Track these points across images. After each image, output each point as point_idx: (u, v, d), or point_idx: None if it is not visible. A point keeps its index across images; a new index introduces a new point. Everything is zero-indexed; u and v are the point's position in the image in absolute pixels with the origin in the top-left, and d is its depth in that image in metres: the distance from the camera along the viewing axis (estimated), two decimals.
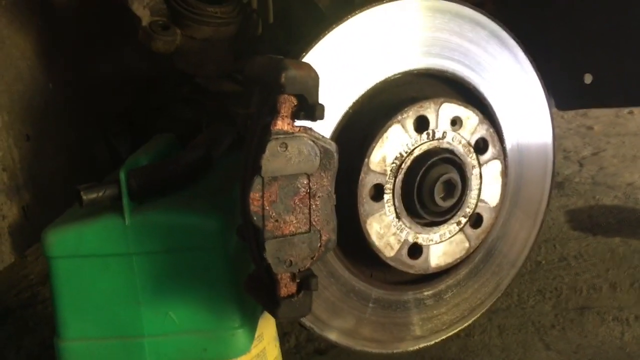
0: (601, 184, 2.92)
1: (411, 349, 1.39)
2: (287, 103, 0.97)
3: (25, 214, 1.42)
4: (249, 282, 1.12)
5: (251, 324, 1.26)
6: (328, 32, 1.15)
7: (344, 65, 1.18)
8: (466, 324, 1.46)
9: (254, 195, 0.97)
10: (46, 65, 1.50)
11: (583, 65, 1.83)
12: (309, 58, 1.12)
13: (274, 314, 1.06)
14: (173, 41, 1.39)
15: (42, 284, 2.20)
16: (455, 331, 1.44)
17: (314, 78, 0.98)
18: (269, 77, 0.98)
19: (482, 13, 1.30)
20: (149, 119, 1.67)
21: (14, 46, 1.43)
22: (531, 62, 1.42)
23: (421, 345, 1.40)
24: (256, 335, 1.29)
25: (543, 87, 1.46)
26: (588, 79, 1.82)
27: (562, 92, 1.87)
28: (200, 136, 1.39)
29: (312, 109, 0.97)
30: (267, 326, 1.36)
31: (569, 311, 1.86)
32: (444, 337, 1.43)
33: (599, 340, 1.72)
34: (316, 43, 1.14)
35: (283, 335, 1.78)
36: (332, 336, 1.29)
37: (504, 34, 1.35)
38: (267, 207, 0.98)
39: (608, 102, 1.92)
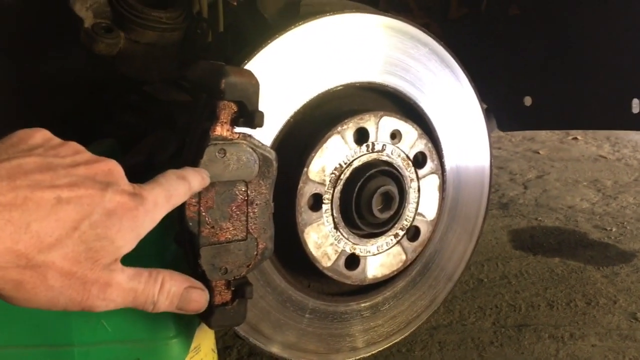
0: (544, 206, 2.98)
1: None
2: (227, 109, 0.96)
3: None
4: None
5: (187, 335, 1.21)
6: (271, 42, 1.14)
7: (286, 74, 1.17)
8: (402, 337, 1.46)
9: (190, 200, 0.95)
10: None
11: (523, 88, 1.89)
12: (251, 66, 1.11)
13: (207, 322, 1.03)
14: (116, 44, 1.36)
15: None
16: (391, 343, 1.44)
17: (255, 85, 0.96)
18: (209, 82, 0.96)
19: (423, 31, 1.32)
20: (93, 123, 1.63)
21: None
22: (471, 82, 1.43)
23: (358, 357, 1.39)
24: (193, 347, 1.25)
25: (481, 107, 1.47)
26: (528, 101, 1.89)
27: (504, 114, 1.93)
28: (143, 142, 1.35)
29: (251, 116, 0.96)
30: (205, 338, 1.32)
31: (507, 328, 1.88)
32: (380, 348, 1.42)
33: (535, 357, 1.74)
34: (259, 51, 1.13)
35: (224, 349, 1.74)
36: (271, 347, 1.27)
37: (445, 53, 1.37)
38: (204, 213, 0.96)
39: (547, 124, 1.98)
